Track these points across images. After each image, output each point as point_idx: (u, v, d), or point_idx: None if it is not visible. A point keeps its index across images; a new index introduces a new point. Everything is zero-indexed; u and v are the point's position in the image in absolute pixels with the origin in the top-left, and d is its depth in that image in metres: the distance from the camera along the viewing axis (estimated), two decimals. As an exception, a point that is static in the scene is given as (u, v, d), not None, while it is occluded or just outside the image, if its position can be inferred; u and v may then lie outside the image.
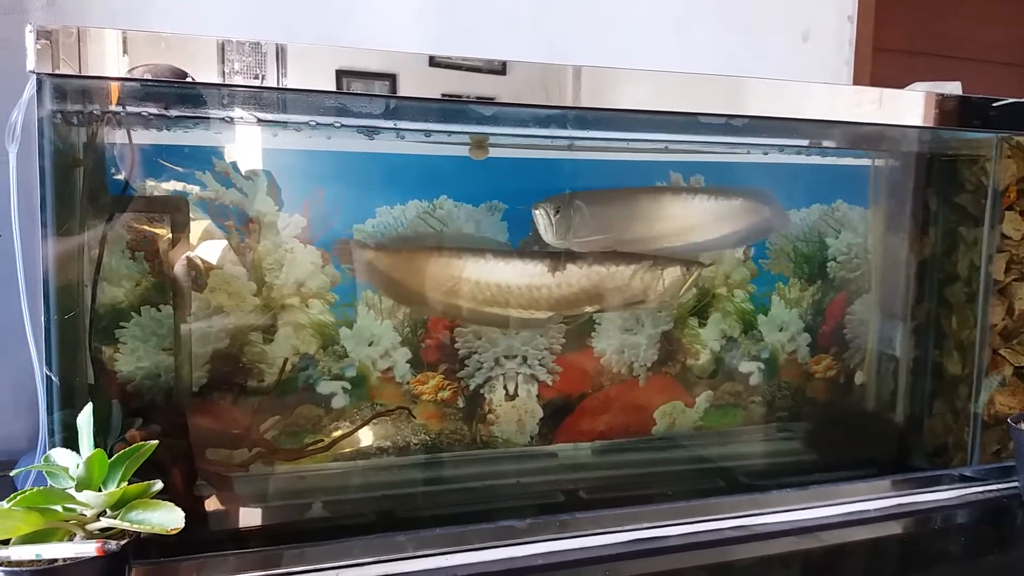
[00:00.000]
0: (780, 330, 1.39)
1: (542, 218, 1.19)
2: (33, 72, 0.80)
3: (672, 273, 1.25)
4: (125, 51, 0.82)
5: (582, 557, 1.00)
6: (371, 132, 1.12)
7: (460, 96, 0.95)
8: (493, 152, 1.21)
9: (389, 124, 1.10)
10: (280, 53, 0.87)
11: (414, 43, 1.45)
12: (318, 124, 1.07)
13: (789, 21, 1.76)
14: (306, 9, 1.39)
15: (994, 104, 1.19)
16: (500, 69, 0.96)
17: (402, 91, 0.92)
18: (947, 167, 1.37)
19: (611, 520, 1.04)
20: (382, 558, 0.93)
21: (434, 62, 0.93)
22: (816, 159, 1.41)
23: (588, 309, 1.26)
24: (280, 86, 0.88)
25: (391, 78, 0.91)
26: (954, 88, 1.23)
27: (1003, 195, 1.29)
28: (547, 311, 1.24)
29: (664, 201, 1.31)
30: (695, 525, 1.07)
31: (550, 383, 1.27)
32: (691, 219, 1.31)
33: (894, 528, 1.15)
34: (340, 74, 0.89)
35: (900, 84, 1.27)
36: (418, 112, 1.05)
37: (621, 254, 1.26)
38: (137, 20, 1.29)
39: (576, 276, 1.23)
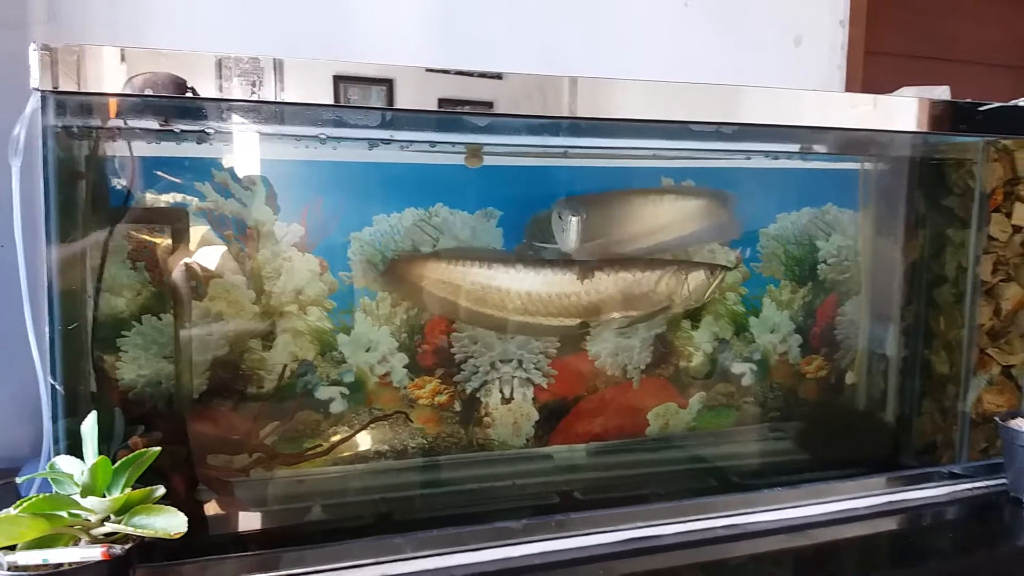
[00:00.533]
0: (771, 332, 1.41)
1: (576, 222, 1.21)
2: (36, 89, 0.82)
3: (696, 277, 1.27)
4: (125, 67, 0.84)
5: (577, 556, 1.01)
6: (370, 142, 1.14)
7: (457, 105, 0.97)
8: (491, 160, 1.23)
9: (387, 135, 1.12)
10: (278, 67, 0.88)
11: (415, 52, 1.46)
12: (326, 137, 1.09)
13: (782, 26, 1.77)
14: (307, 19, 1.41)
15: (980, 108, 1.20)
16: (497, 79, 0.98)
17: (399, 96, 0.94)
18: (935, 170, 1.39)
19: (606, 520, 1.06)
20: (381, 559, 0.94)
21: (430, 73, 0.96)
22: (807, 163, 1.42)
23: (616, 316, 1.28)
24: (278, 99, 0.89)
25: (388, 83, 0.93)
26: (942, 93, 1.25)
27: (989, 198, 1.31)
28: (577, 318, 1.27)
29: (652, 203, 1.33)
30: (688, 524, 1.09)
31: (545, 386, 1.29)
32: (672, 218, 1.33)
33: (884, 525, 1.16)
34: (338, 80, 0.90)
35: (893, 87, 1.29)
36: (415, 122, 1.07)
37: (646, 260, 1.29)
38: (138, 33, 1.31)
39: (604, 283, 1.26)
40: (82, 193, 0.95)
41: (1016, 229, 1.32)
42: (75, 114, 0.91)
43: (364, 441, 1.20)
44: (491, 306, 1.24)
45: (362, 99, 0.92)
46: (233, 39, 1.36)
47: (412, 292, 1.22)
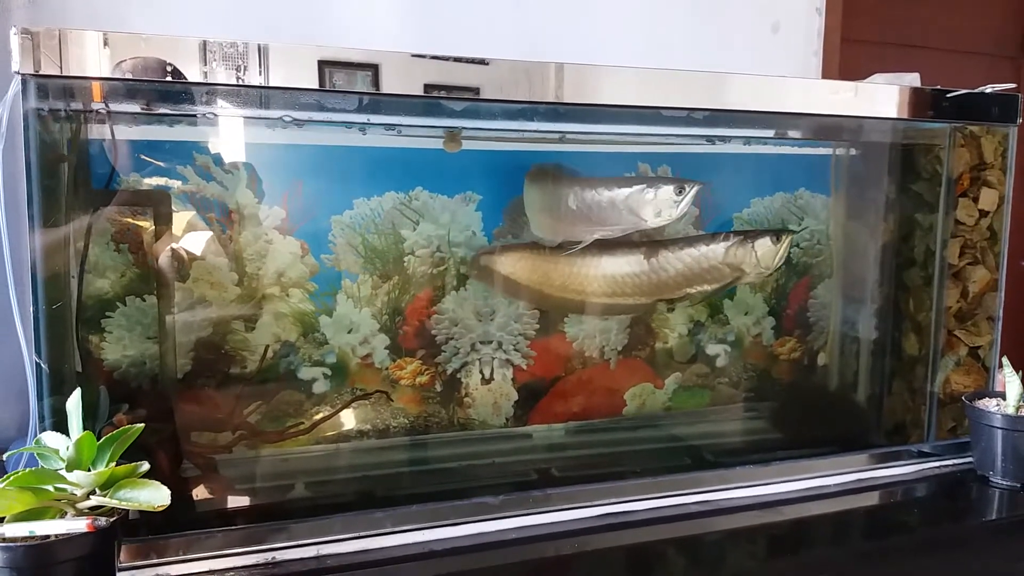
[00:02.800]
0: (745, 314, 1.44)
1: (691, 195, 1.23)
2: (17, 73, 0.83)
3: (763, 244, 1.29)
4: (108, 51, 0.85)
5: (553, 532, 1.04)
6: (357, 126, 1.15)
7: (443, 90, 0.98)
8: (472, 145, 1.25)
9: (375, 120, 1.13)
10: (262, 52, 0.89)
11: (395, 39, 1.47)
12: (302, 120, 1.10)
13: (759, 13, 1.79)
14: (285, 6, 1.41)
15: (947, 95, 1.23)
16: (483, 64, 1.00)
17: (385, 81, 0.95)
18: (904, 156, 1.41)
19: (580, 496, 1.08)
20: (361, 534, 0.97)
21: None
22: (781, 149, 1.44)
23: (690, 291, 1.31)
24: (262, 84, 0.90)
25: (373, 68, 0.94)
26: (913, 80, 1.27)
27: (957, 183, 1.34)
28: (649, 297, 1.31)
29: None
30: (661, 500, 1.11)
31: (525, 367, 1.32)
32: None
33: (855, 502, 1.19)
34: (323, 64, 0.92)
35: (868, 74, 1.31)
36: (400, 106, 1.08)
37: (709, 234, 1.33)
38: (117, 15, 1.31)
39: (670, 260, 1.28)
40: (65, 176, 0.96)
41: (982, 213, 1.34)
42: (57, 97, 0.92)
43: (346, 420, 1.22)
44: (573, 291, 1.29)
45: (347, 84, 0.93)
46: (211, 25, 1.36)
47: (503, 282, 1.28)
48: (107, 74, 0.85)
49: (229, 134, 1.13)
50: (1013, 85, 1.25)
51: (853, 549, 1.08)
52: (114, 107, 0.99)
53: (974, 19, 2.15)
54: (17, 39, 0.81)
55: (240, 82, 0.90)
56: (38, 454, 0.80)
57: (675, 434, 1.41)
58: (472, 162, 1.26)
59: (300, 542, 0.94)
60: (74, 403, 0.82)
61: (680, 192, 1.21)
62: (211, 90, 0.95)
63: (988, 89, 1.24)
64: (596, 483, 1.10)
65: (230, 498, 1.13)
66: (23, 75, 0.83)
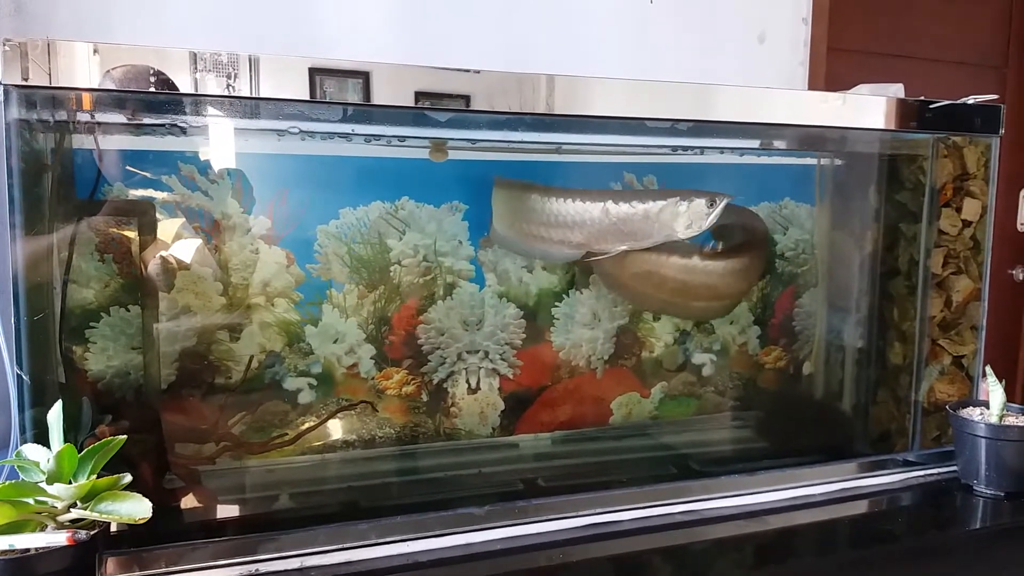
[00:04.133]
0: (731, 323, 1.44)
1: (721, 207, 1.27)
2: (0, 83, 0.82)
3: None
4: (97, 60, 0.85)
5: (539, 542, 1.04)
6: (344, 136, 1.15)
7: (434, 96, 0.98)
8: (464, 155, 1.25)
9: (368, 129, 1.14)
10: (253, 62, 0.89)
11: (381, 51, 1.47)
12: (308, 132, 1.10)
13: (746, 23, 1.80)
14: (272, 19, 1.41)
15: (930, 106, 1.24)
16: (470, 73, 1.00)
17: (376, 89, 0.95)
18: (888, 166, 1.42)
19: (566, 506, 1.08)
20: (346, 545, 0.96)
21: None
22: (764, 159, 1.45)
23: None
24: (254, 94, 0.90)
25: (364, 76, 0.94)
26: (897, 90, 1.28)
27: (940, 193, 1.35)
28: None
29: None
30: (647, 510, 1.11)
31: (511, 376, 1.31)
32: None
33: (840, 511, 1.19)
34: (313, 72, 0.92)
35: (854, 83, 1.32)
36: (392, 116, 1.08)
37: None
38: (105, 24, 1.31)
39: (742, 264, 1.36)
40: (48, 185, 0.96)
41: (966, 223, 1.35)
42: (43, 107, 0.92)
43: (331, 431, 1.22)
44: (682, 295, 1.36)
45: (338, 91, 0.93)
46: (200, 34, 1.36)
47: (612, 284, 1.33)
48: (96, 84, 0.85)
49: (215, 143, 1.12)
50: (996, 96, 1.26)
51: (839, 558, 1.08)
52: (100, 117, 0.99)
53: (959, 29, 2.16)
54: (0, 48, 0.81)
55: (230, 91, 0.89)
56: (18, 466, 0.79)
57: (661, 443, 1.41)
58: (460, 172, 1.26)
59: (284, 554, 0.93)
60: (55, 415, 0.81)
61: (712, 205, 1.25)
62: (201, 100, 0.95)
63: (971, 100, 1.25)
64: (582, 493, 1.10)
65: (214, 509, 1.12)
66: (6, 85, 0.83)
